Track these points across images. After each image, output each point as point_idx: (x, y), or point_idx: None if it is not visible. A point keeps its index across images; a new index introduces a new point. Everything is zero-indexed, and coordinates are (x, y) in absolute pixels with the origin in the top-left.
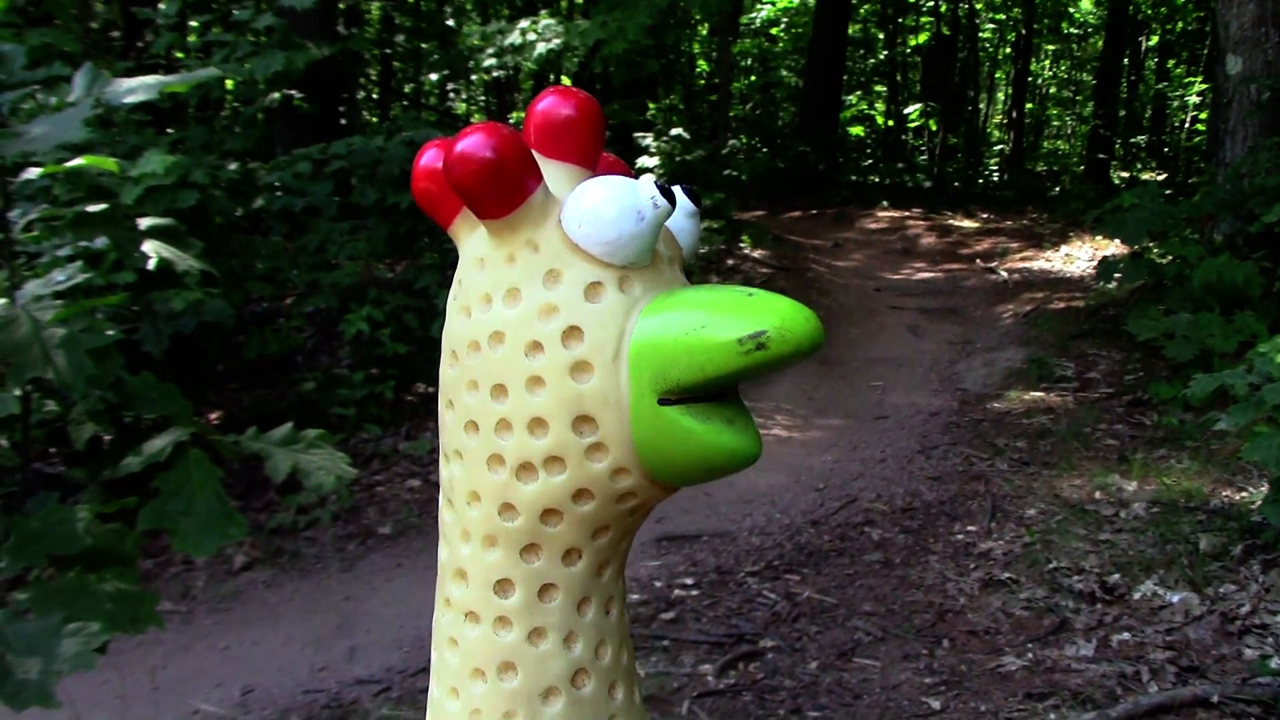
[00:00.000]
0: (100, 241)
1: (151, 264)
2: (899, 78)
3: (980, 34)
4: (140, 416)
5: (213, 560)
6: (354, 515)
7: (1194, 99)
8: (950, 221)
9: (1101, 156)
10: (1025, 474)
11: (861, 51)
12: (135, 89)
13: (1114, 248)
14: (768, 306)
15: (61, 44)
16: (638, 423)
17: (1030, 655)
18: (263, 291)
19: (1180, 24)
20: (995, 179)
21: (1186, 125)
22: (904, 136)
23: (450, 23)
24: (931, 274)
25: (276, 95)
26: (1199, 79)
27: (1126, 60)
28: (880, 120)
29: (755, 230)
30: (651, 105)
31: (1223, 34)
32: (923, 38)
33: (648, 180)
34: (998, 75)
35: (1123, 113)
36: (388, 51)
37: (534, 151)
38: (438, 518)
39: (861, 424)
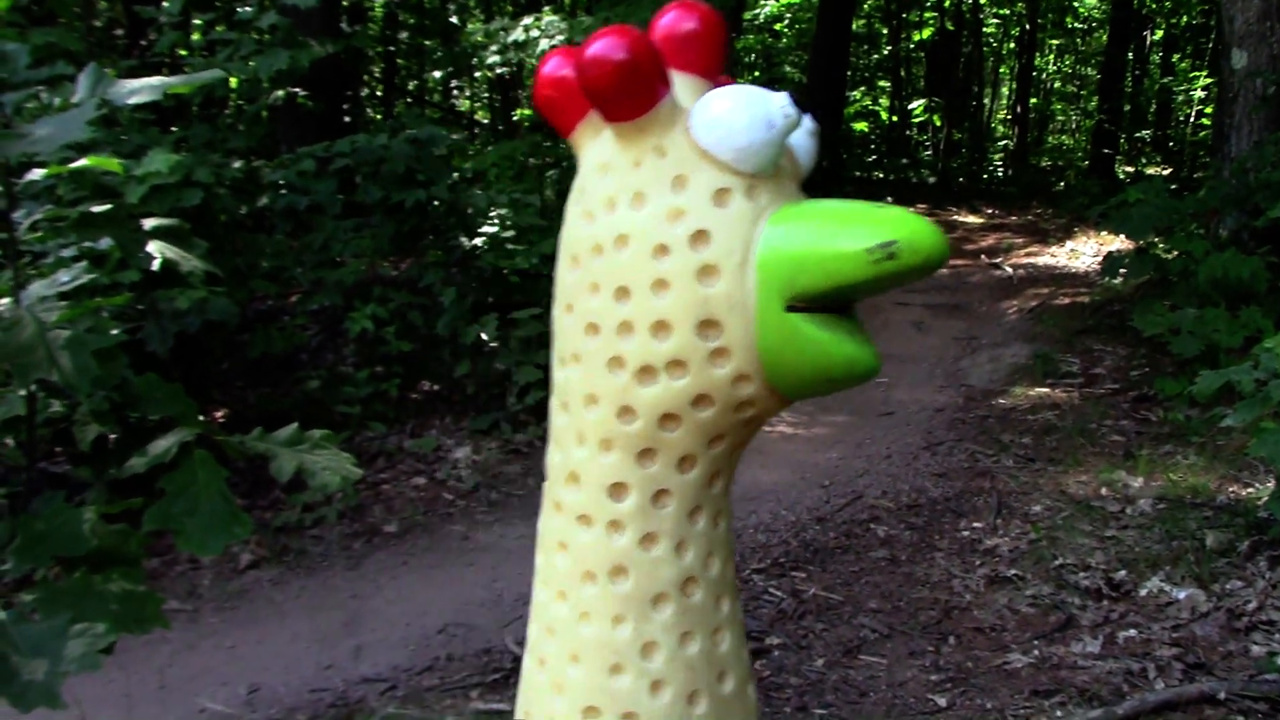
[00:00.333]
0: (105, 242)
1: (155, 265)
2: (903, 73)
3: (984, 29)
4: (145, 416)
5: (219, 559)
6: (360, 513)
7: (1199, 93)
8: (955, 217)
9: (1106, 151)
10: (1031, 470)
11: (865, 47)
12: (139, 89)
13: (1119, 243)
14: (898, 218)
15: (65, 43)
16: (763, 329)
17: (1036, 652)
18: (267, 290)
19: (1185, 18)
20: (1000, 174)
21: (1191, 120)
22: (908, 132)
23: (454, 20)
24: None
25: (280, 93)
26: (1204, 73)
27: (1131, 55)
28: (884, 116)
29: None
30: None
31: (1227, 28)
32: (927, 33)
33: (781, 92)
34: (1002, 70)
35: (1127, 107)
36: (391, 49)
37: None
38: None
39: (866, 420)
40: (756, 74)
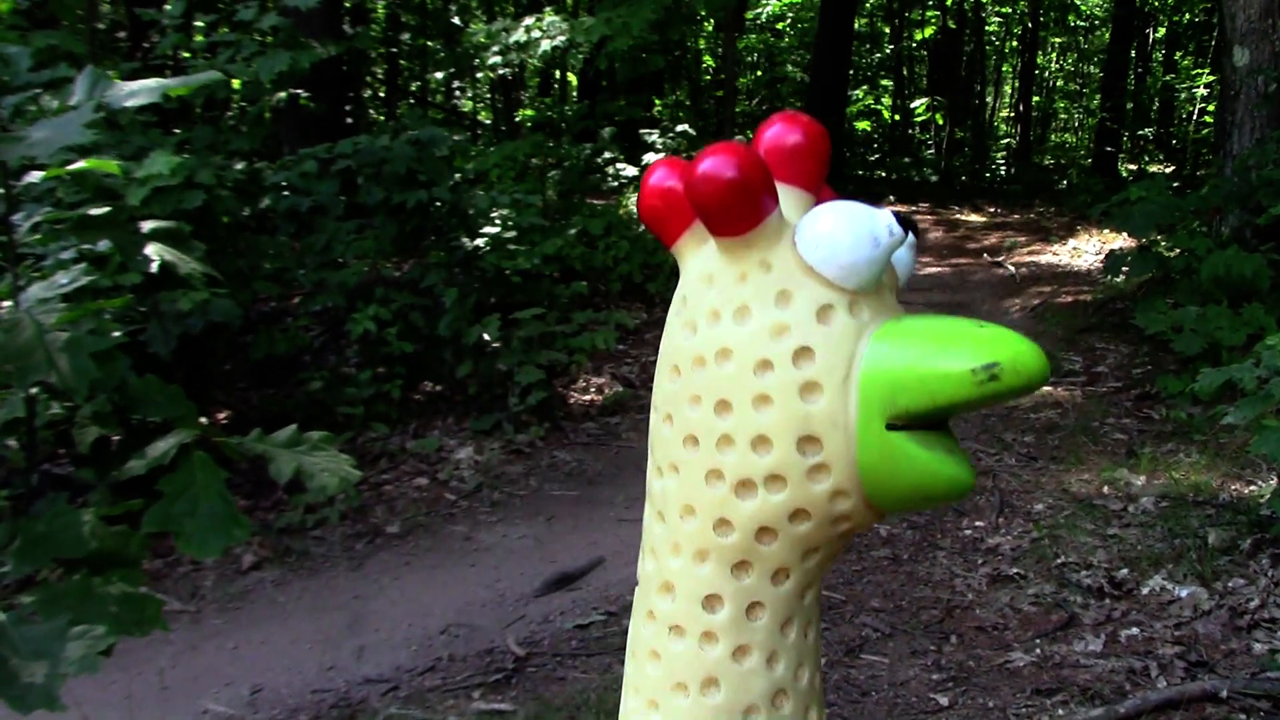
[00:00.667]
0: (104, 244)
1: (154, 267)
2: (905, 72)
3: (987, 27)
4: (146, 418)
5: (221, 560)
6: (362, 514)
7: (1201, 91)
8: (957, 216)
9: (1109, 149)
10: (1033, 469)
11: (867, 46)
12: (137, 92)
13: (1122, 241)
14: (1000, 339)
15: (68, 46)
16: (864, 446)
17: (1038, 651)
18: (270, 291)
19: (1187, 16)
20: (1002, 173)
21: (1194, 117)
22: (910, 131)
23: (455, 21)
24: (939, 268)
25: (282, 95)
26: (1206, 71)
27: (1133, 53)
28: (886, 115)
29: None
30: (657, 101)
31: (1229, 26)
32: (929, 31)
33: (886, 210)
34: (1004, 69)
35: (1130, 105)
36: (393, 50)
37: None
38: (642, 529)
39: None
40: (759, 73)
